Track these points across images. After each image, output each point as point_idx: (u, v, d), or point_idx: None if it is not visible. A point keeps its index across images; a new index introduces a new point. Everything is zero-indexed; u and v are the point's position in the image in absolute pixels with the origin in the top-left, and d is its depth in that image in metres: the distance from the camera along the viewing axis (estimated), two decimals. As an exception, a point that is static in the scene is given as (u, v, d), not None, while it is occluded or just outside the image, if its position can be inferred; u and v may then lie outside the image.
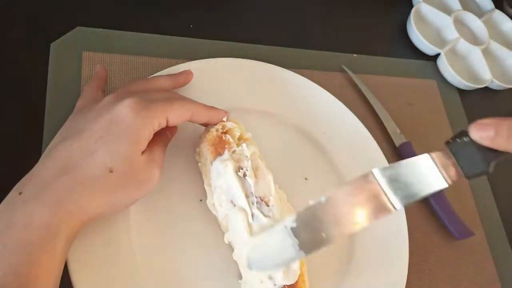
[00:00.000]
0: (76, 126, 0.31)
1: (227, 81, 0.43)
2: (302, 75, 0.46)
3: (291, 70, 0.46)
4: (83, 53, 0.42)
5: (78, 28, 0.43)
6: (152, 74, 0.41)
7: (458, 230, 0.46)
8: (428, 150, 0.49)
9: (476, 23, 0.61)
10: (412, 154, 0.48)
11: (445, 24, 0.59)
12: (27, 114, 0.38)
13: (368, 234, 0.41)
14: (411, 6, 0.60)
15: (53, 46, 0.41)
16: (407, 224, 0.42)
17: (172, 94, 0.36)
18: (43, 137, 0.37)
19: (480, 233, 0.48)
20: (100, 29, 0.44)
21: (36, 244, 0.26)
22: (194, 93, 0.42)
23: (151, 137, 0.32)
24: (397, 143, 0.49)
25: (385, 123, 0.49)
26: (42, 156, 0.30)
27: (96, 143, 0.29)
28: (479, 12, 0.64)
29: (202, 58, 0.43)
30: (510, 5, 0.66)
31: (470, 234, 0.46)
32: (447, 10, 0.61)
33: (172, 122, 0.32)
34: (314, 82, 0.46)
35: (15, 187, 0.28)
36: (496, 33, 0.63)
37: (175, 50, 0.45)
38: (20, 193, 0.27)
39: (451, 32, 0.59)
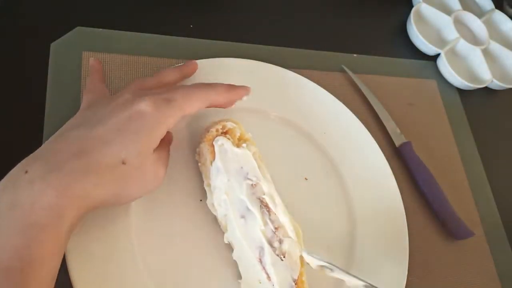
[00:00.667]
0: (93, 117, 0.31)
1: (227, 81, 0.43)
2: (302, 75, 0.46)
3: (291, 70, 0.46)
4: (83, 53, 0.41)
5: (78, 28, 0.43)
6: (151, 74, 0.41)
7: (458, 230, 0.46)
8: (428, 150, 0.50)
9: (476, 23, 0.61)
10: (412, 154, 0.48)
11: (445, 24, 0.59)
12: (27, 114, 0.38)
13: (368, 234, 0.41)
14: (411, 6, 0.59)
15: (53, 46, 0.41)
16: (407, 224, 0.42)
17: (188, 87, 0.35)
18: (43, 137, 0.37)
19: (480, 233, 0.48)
20: (100, 29, 0.44)
21: (42, 226, 0.25)
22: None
23: (163, 134, 0.32)
24: (397, 143, 0.49)
25: (385, 123, 0.49)
26: (52, 138, 0.30)
27: (113, 134, 0.29)
28: (479, 12, 0.64)
29: (202, 58, 0.43)
30: (510, 5, 0.66)
31: (470, 234, 0.46)
32: (447, 10, 0.60)
33: (188, 114, 0.33)
34: (314, 82, 0.46)
35: (19, 164, 0.27)
36: (496, 33, 0.63)
37: (175, 50, 0.45)
38: (26, 172, 0.26)
39: (451, 32, 0.58)
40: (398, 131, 0.49)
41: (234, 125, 0.37)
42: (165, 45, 0.45)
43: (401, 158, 0.48)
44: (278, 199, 0.35)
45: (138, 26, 0.45)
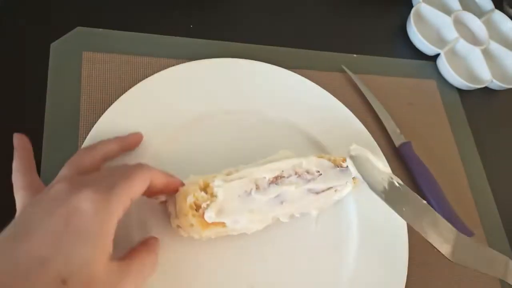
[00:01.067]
0: (24, 222, 0.25)
1: (227, 81, 0.43)
2: (302, 75, 0.46)
3: (290, 70, 0.46)
4: (83, 53, 0.42)
5: (78, 28, 0.43)
6: (152, 74, 0.41)
7: (458, 230, 0.46)
8: (427, 150, 0.50)
9: (475, 23, 0.61)
10: (412, 154, 0.48)
11: (445, 24, 0.59)
12: (27, 114, 0.38)
13: (368, 234, 0.41)
14: (411, 6, 0.60)
15: (53, 46, 0.41)
16: (407, 224, 0.42)
17: (126, 167, 0.30)
18: (43, 137, 0.37)
19: (480, 233, 0.48)
20: (100, 29, 0.44)
21: None
22: (195, 94, 0.42)
23: (114, 231, 0.26)
24: (397, 143, 0.49)
25: (384, 123, 0.49)
26: None
27: (48, 246, 0.23)
28: (479, 12, 0.64)
29: (202, 58, 0.43)
30: (509, 5, 0.66)
31: (470, 234, 0.46)
32: (447, 10, 0.61)
33: (135, 198, 0.28)
34: (314, 82, 0.46)
35: None
36: (496, 33, 0.63)
37: (175, 50, 0.45)
38: None
39: (450, 32, 0.59)
40: (398, 131, 0.49)
41: (192, 195, 0.32)
42: (165, 45, 0.45)
43: (400, 158, 0.48)
44: (267, 166, 0.36)
45: (138, 26, 0.45)
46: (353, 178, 0.39)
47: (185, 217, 0.32)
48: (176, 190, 0.33)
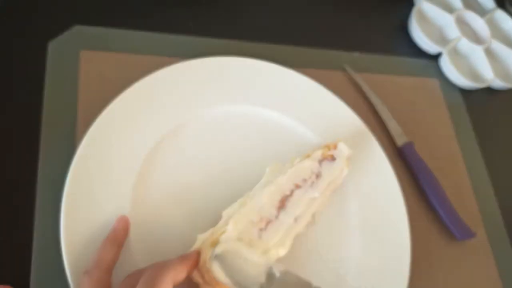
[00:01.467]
0: None
1: (227, 80, 0.43)
2: (303, 73, 0.46)
3: (292, 69, 0.46)
4: (81, 52, 0.41)
5: (76, 26, 0.43)
6: (151, 73, 0.40)
7: (460, 231, 0.45)
8: (430, 150, 0.50)
9: (478, 22, 0.61)
10: (414, 154, 0.48)
11: (447, 23, 0.59)
12: (25, 113, 0.38)
13: (370, 235, 0.41)
14: (413, 4, 0.59)
15: (51, 45, 0.41)
16: (409, 224, 0.42)
17: (145, 280, 0.28)
18: (41, 136, 0.37)
19: (482, 234, 0.48)
20: (98, 27, 0.43)
21: None
22: (194, 92, 0.41)
23: None
24: (399, 142, 0.48)
25: (386, 123, 0.49)
26: None
27: None
28: (481, 11, 0.64)
29: (202, 57, 0.43)
30: (512, 4, 0.66)
31: (472, 235, 0.46)
32: (449, 9, 0.60)
33: None
34: (315, 80, 0.46)
35: None
36: (498, 32, 0.63)
37: (174, 49, 0.45)
38: None
39: (453, 31, 0.58)
40: (400, 130, 0.49)
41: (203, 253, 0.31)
42: (164, 43, 0.45)
43: (403, 158, 0.48)
44: (267, 190, 0.35)
45: (137, 24, 0.45)
46: (346, 160, 0.39)
47: (220, 286, 0.31)
48: (196, 265, 0.31)
